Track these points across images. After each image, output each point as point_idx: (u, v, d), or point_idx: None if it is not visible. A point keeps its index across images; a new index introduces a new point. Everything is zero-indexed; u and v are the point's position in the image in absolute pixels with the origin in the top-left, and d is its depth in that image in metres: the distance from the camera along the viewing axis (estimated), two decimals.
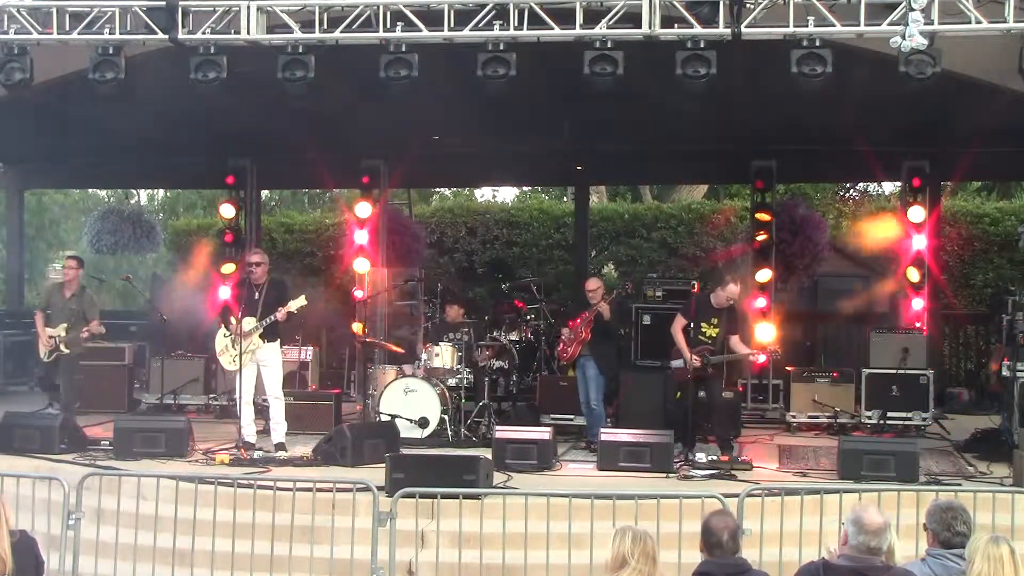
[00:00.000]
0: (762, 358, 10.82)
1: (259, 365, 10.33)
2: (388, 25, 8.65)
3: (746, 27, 8.24)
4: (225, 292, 12.44)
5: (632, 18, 8.43)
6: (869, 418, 11.85)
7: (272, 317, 10.08)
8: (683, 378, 10.19)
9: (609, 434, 9.87)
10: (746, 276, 13.42)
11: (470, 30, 8.59)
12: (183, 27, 8.77)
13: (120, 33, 8.85)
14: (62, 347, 10.70)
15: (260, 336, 10.18)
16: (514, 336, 12.31)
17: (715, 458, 9.76)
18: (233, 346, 10.18)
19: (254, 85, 9.33)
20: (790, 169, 14.14)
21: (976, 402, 14.23)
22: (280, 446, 10.20)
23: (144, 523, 7.52)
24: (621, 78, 8.40)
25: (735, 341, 10.45)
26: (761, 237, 13.61)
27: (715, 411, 10.47)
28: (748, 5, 8.25)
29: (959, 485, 8.59)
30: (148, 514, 7.68)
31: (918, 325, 13.30)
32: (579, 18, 8.45)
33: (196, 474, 8.85)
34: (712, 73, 8.30)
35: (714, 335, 10.29)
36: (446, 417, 11.08)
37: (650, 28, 8.33)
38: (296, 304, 10.09)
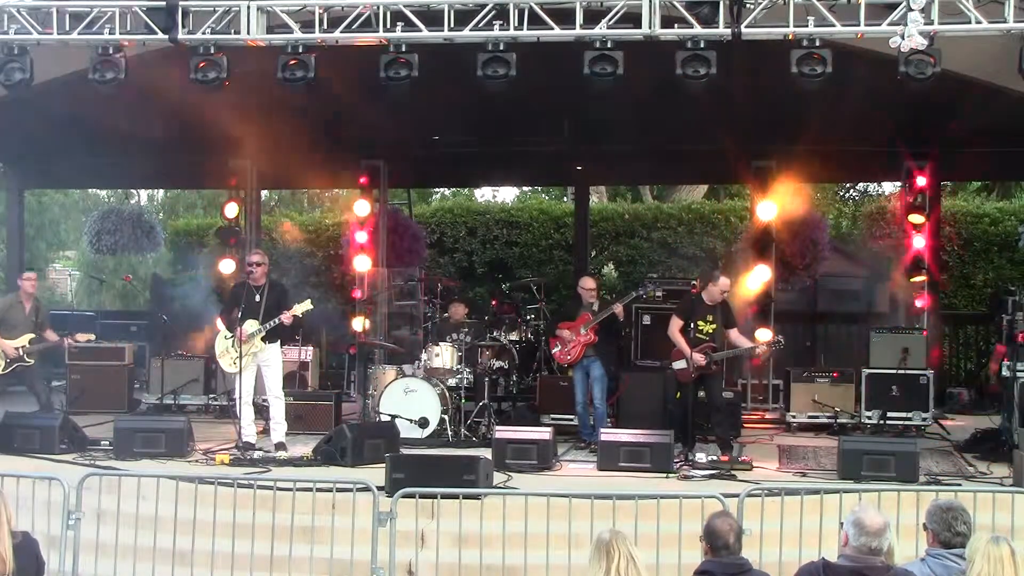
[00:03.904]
0: (761, 350, 10.79)
1: (260, 365, 10.33)
2: (388, 25, 8.65)
3: (746, 27, 8.25)
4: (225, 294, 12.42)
5: (632, 18, 8.44)
6: (869, 418, 11.85)
7: (276, 320, 10.09)
8: (687, 379, 10.15)
9: (609, 434, 9.86)
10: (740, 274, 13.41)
11: (470, 30, 8.60)
12: (183, 27, 8.78)
13: (120, 33, 8.86)
14: (26, 358, 10.82)
15: (261, 338, 10.18)
16: (514, 336, 12.31)
17: (715, 458, 9.75)
18: (234, 348, 10.17)
19: (254, 85, 9.34)
20: (790, 169, 14.14)
21: (976, 402, 14.23)
22: (280, 446, 10.19)
23: (144, 523, 7.51)
24: (621, 78, 8.40)
25: (735, 335, 10.44)
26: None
27: (715, 411, 10.46)
28: (748, 5, 8.25)
29: (959, 485, 8.58)
30: (148, 514, 7.67)
31: (918, 325, 13.31)
32: (579, 18, 8.46)
33: (196, 474, 8.83)
34: (712, 73, 8.31)
35: (711, 331, 10.27)
36: (446, 417, 11.08)
37: (650, 28, 8.34)
38: (302, 308, 10.10)
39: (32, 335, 10.86)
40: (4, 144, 14.79)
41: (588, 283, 11.43)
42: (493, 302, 14.06)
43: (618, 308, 10.97)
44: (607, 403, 11.29)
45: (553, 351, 11.38)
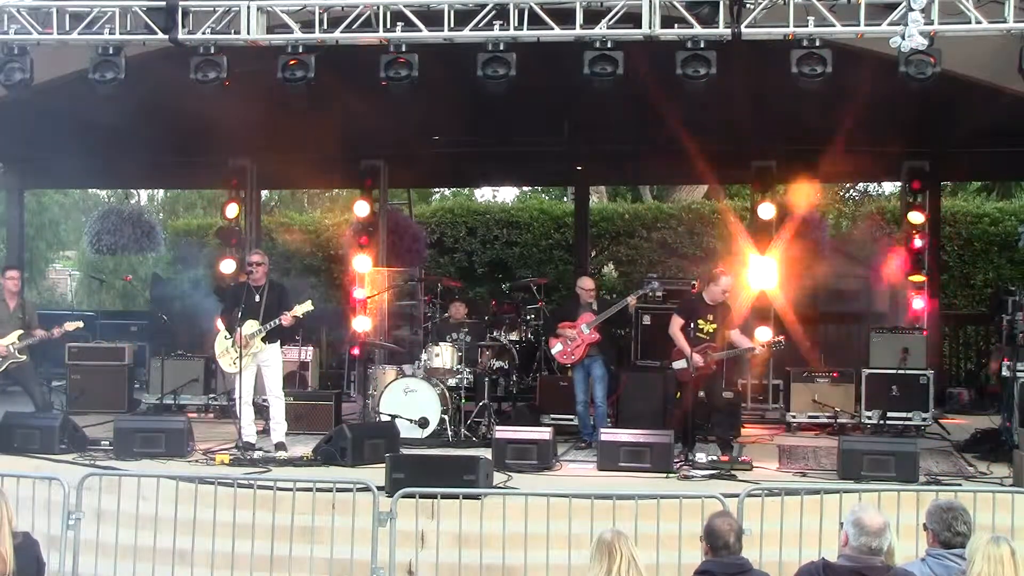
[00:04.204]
0: (761, 350, 10.80)
1: (260, 365, 10.33)
2: (388, 25, 8.65)
3: (746, 27, 8.25)
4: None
5: (632, 18, 8.44)
6: (869, 418, 11.85)
7: (276, 321, 10.08)
8: (687, 379, 10.16)
9: (609, 434, 9.86)
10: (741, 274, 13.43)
11: (470, 30, 8.59)
12: (183, 27, 8.78)
13: (120, 33, 8.86)
14: (17, 354, 10.79)
15: (261, 339, 10.18)
16: (514, 336, 12.30)
17: (715, 458, 9.74)
18: (233, 348, 10.17)
19: (254, 85, 9.33)
20: (790, 169, 14.15)
21: (976, 402, 14.23)
22: (280, 446, 10.19)
23: (144, 523, 7.51)
24: (621, 78, 8.40)
25: (736, 335, 10.44)
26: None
27: (715, 411, 10.46)
28: (748, 5, 8.25)
29: (959, 485, 8.59)
30: (148, 514, 7.67)
31: (918, 325, 13.30)
32: (579, 18, 8.45)
33: (196, 474, 8.84)
34: (712, 73, 8.30)
35: (712, 331, 10.27)
36: (446, 417, 11.08)
37: (650, 28, 8.34)
38: (302, 309, 10.10)
39: (20, 331, 10.83)
40: (4, 144, 14.78)
41: (586, 283, 11.45)
42: (493, 303, 14.05)
43: (632, 300, 11.01)
44: (606, 403, 11.30)
45: (553, 351, 11.35)
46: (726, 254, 16.84)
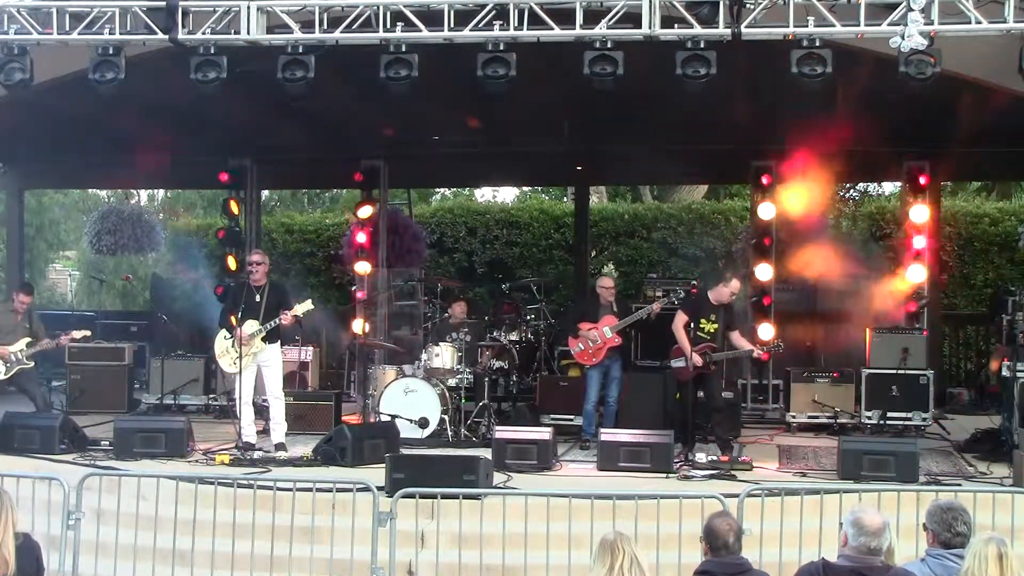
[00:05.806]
0: (758, 353, 10.81)
1: (260, 365, 10.33)
2: (388, 25, 8.65)
3: (746, 27, 8.25)
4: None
5: (632, 18, 8.44)
6: (869, 418, 11.85)
7: (276, 321, 10.08)
8: (685, 377, 10.17)
9: (609, 434, 9.87)
10: (747, 274, 13.45)
11: (470, 30, 8.59)
12: (183, 27, 8.77)
13: (120, 33, 8.86)
14: (25, 360, 10.88)
15: (261, 339, 10.18)
16: (514, 336, 12.30)
17: (715, 458, 9.75)
18: (233, 348, 10.17)
19: (254, 85, 9.33)
20: (790, 169, 14.13)
21: (976, 402, 14.22)
22: (280, 446, 10.20)
23: (144, 523, 7.52)
24: (621, 78, 8.40)
25: (736, 337, 10.45)
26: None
27: (715, 411, 10.46)
28: (748, 5, 8.25)
29: (959, 485, 8.59)
30: (148, 514, 7.68)
31: (918, 325, 13.30)
32: (579, 18, 8.45)
33: (196, 474, 8.85)
34: (712, 73, 8.30)
35: (713, 331, 10.29)
36: (446, 417, 11.08)
37: (650, 28, 8.34)
38: (303, 308, 10.11)
39: (28, 339, 10.91)
40: (4, 144, 14.79)
41: (607, 282, 11.48)
42: (505, 307, 14.00)
43: (657, 306, 11.04)
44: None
45: (574, 351, 11.29)
46: (726, 254, 16.89)
